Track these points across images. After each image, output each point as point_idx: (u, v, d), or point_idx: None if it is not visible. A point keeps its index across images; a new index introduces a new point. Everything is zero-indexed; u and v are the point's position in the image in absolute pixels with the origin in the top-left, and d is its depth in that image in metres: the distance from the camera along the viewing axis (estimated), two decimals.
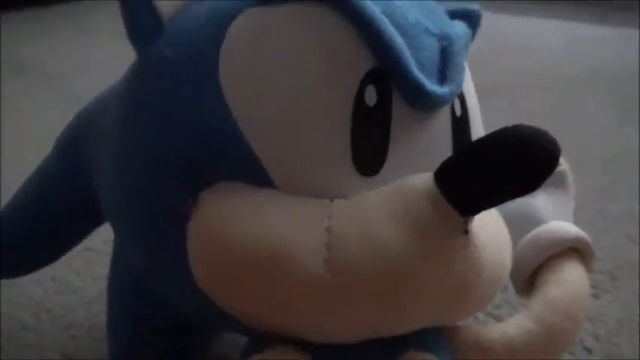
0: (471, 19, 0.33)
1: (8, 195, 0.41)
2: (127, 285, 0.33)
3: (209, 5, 0.28)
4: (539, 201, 0.33)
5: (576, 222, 0.53)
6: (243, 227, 0.24)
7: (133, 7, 0.28)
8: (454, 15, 0.33)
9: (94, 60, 1.12)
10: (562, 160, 0.35)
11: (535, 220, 0.33)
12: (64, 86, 0.99)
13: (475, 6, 0.34)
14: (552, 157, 0.23)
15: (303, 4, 0.26)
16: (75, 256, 0.46)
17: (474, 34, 0.34)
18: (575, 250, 0.32)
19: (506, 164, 0.23)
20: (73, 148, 0.36)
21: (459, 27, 0.29)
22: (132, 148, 0.28)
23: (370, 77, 0.25)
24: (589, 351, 0.43)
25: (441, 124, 0.27)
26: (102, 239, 0.47)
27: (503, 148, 0.23)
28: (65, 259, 0.42)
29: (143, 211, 0.28)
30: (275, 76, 0.25)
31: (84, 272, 0.50)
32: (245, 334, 0.30)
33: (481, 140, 0.24)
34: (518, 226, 0.32)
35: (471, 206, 0.24)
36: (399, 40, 0.25)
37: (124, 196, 0.28)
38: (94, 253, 0.51)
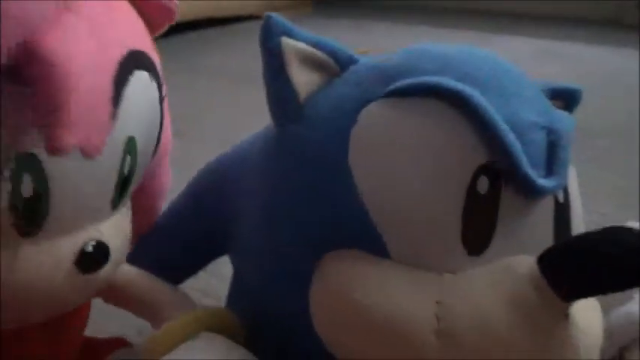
0: (572, 98, 0.36)
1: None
2: (241, 310, 0.37)
3: (344, 92, 0.32)
4: None
5: None
6: (367, 294, 0.28)
7: (273, 84, 0.33)
8: (555, 93, 0.35)
9: None
10: None
11: (627, 296, 0.35)
12: None
13: (577, 85, 0.36)
14: None
15: (427, 100, 0.30)
16: None
17: (572, 112, 0.36)
18: None
19: (607, 263, 0.25)
20: (209, 195, 0.41)
21: (566, 120, 0.32)
22: (276, 209, 0.32)
23: (484, 169, 0.29)
24: None
25: (544, 210, 0.30)
26: None
27: (606, 246, 0.25)
28: None
29: (274, 264, 0.32)
30: (399, 161, 0.29)
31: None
32: None
33: (587, 234, 0.27)
34: (608, 299, 0.34)
35: (572, 295, 0.27)
36: (516, 144, 0.28)
37: (261, 248, 0.33)
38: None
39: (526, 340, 0.27)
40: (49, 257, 0.29)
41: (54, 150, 0.27)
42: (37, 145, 0.27)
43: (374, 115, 0.30)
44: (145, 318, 0.38)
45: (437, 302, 0.28)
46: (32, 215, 0.28)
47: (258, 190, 0.34)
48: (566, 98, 0.36)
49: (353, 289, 0.28)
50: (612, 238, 0.26)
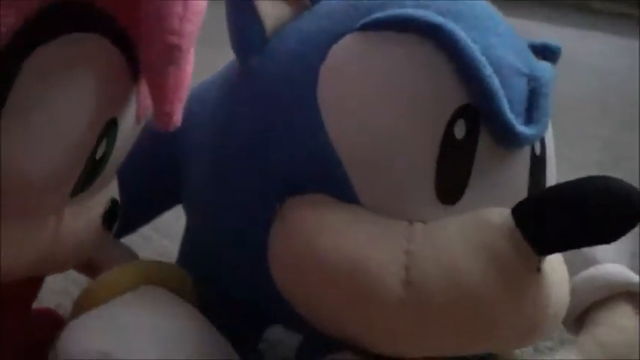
0: (552, 55, 0.34)
1: None
2: (194, 266, 0.35)
3: (313, 25, 0.30)
4: None
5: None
6: (329, 240, 0.26)
7: (238, 18, 0.30)
8: (535, 49, 0.34)
9: None
10: None
11: (591, 260, 0.34)
12: None
13: (556, 42, 0.35)
14: (636, 216, 0.24)
15: (404, 34, 0.27)
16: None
17: None
18: (627, 292, 0.33)
19: (588, 215, 0.24)
20: (163, 141, 0.38)
21: (548, 69, 0.30)
22: (229, 151, 0.30)
23: (462, 112, 0.27)
24: None
25: (521, 161, 0.29)
26: (147, 225, 0.47)
27: (589, 197, 0.24)
28: None
29: (230, 208, 0.30)
30: (372, 99, 0.27)
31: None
32: (300, 333, 0.32)
33: (566, 185, 0.25)
34: (573, 263, 0.33)
35: (547, 247, 0.25)
36: (496, 82, 0.27)
37: (214, 191, 0.31)
38: (140, 238, 0.50)
39: (497, 292, 0.25)
40: (88, 214, 0.29)
41: (162, 122, 0.25)
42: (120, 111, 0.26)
43: (346, 49, 0.28)
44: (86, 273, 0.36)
45: (406, 252, 0.26)
46: (91, 176, 0.27)
47: (212, 131, 0.31)
48: (545, 55, 0.35)
49: (316, 234, 0.26)
50: (590, 188, 0.24)
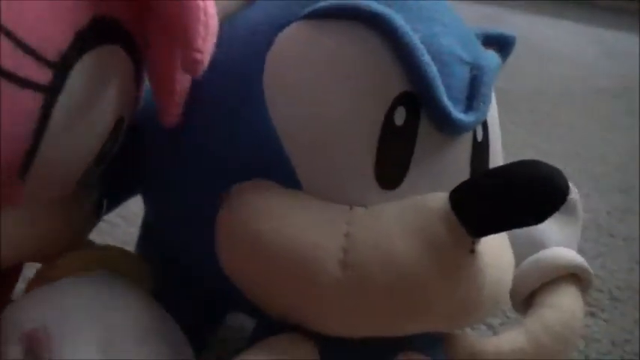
0: (506, 45, 0.35)
1: None
2: (151, 253, 0.35)
3: (262, 14, 0.30)
4: (547, 226, 0.35)
5: (586, 239, 0.54)
6: (271, 225, 0.26)
7: None
8: (489, 38, 0.35)
9: None
10: (573, 189, 0.37)
11: (539, 244, 0.35)
12: None
13: (511, 32, 0.36)
14: (562, 196, 0.25)
15: (347, 22, 0.28)
16: None
17: (505, 59, 0.36)
18: (574, 275, 0.34)
19: (518, 196, 0.25)
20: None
21: (492, 58, 0.31)
22: (181, 137, 0.30)
23: (402, 99, 0.27)
24: None
25: (461, 147, 0.29)
26: (115, 212, 0.49)
27: (517, 180, 0.25)
28: None
29: (182, 194, 0.30)
30: (314, 86, 0.28)
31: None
32: (254, 317, 0.33)
33: (497, 169, 0.26)
34: (522, 247, 0.34)
35: (480, 229, 0.26)
36: (433, 69, 0.27)
37: (165, 178, 0.31)
38: (107, 224, 0.51)
39: (431, 274, 0.26)
40: (85, 202, 0.32)
41: (168, 122, 0.30)
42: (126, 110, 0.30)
43: (291, 36, 0.28)
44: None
45: (345, 235, 0.26)
46: (105, 156, 0.30)
47: None
48: (500, 44, 0.35)
49: (258, 220, 0.27)
50: (518, 172, 0.25)
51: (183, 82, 0.29)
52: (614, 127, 0.96)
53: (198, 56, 0.25)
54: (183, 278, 0.33)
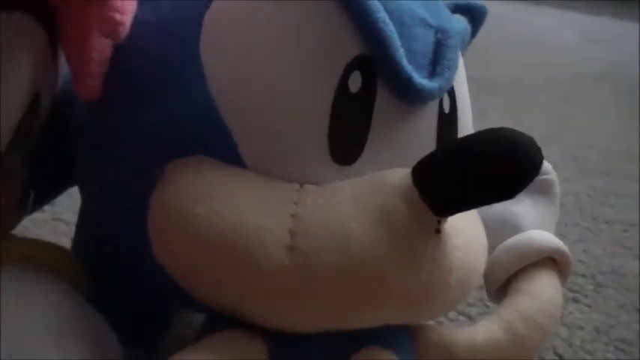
0: (476, 15, 0.32)
1: None
2: (91, 249, 0.32)
3: None
4: (522, 208, 0.33)
5: (567, 224, 0.52)
6: (208, 206, 0.23)
7: None
8: (458, 9, 0.32)
9: None
10: (550, 170, 0.34)
11: (514, 228, 0.32)
12: None
13: (481, 2, 0.33)
14: (534, 165, 0.22)
15: None
16: (42, 226, 0.46)
17: (477, 30, 0.33)
18: (552, 260, 0.31)
19: (485, 167, 0.22)
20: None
21: (459, 22, 0.28)
22: (107, 114, 0.27)
23: (357, 63, 0.24)
24: (560, 357, 0.43)
25: (426, 118, 0.26)
26: (72, 209, 0.46)
27: (484, 150, 0.22)
28: (34, 228, 0.42)
29: (112, 177, 0.27)
30: (257, 50, 0.24)
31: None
32: (202, 312, 0.30)
33: (463, 140, 0.23)
34: (497, 232, 0.31)
35: (445, 207, 0.23)
36: (390, 28, 0.24)
37: (98, 157, 0.28)
38: (63, 224, 0.49)
39: (389, 257, 0.23)
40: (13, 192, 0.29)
41: (86, 95, 0.27)
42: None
43: None
44: None
45: (292, 215, 0.23)
46: (21, 141, 0.27)
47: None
48: (471, 14, 0.32)
49: (194, 200, 0.23)
50: (487, 140, 0.22)
51: (102, 49, 0.25)
52: (595, 110, 0.94)
53: (117, 16, 0.23)
54: (123, 277, 0.30)
